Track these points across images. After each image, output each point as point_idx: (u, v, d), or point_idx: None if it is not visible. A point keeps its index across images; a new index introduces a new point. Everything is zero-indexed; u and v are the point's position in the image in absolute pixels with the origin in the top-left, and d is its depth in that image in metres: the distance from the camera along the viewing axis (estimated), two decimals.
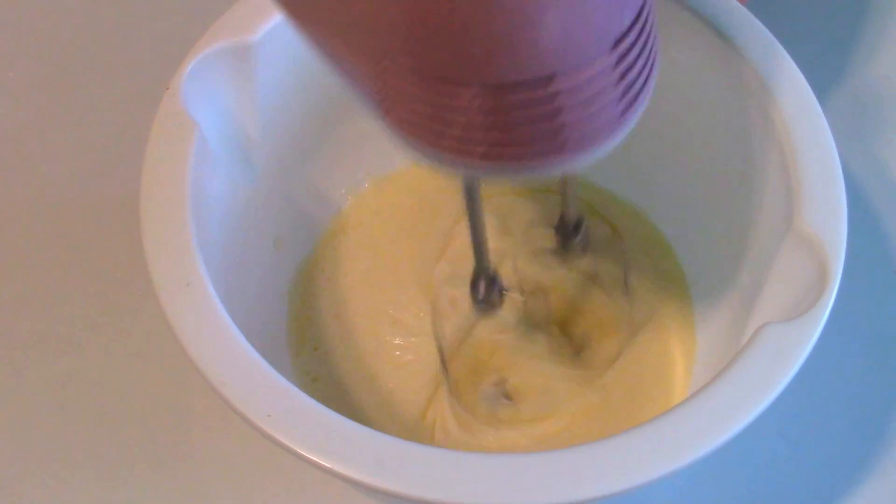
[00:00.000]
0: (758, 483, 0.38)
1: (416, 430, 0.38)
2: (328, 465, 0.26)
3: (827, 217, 0.30)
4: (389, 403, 0.38)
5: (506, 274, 0.37)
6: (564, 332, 0.39)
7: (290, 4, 0.27)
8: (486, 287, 0.35)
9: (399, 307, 0.40)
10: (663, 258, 0.41)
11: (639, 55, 0.24)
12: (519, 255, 0.40)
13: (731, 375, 0.27)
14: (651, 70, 0.25)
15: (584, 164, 0.25)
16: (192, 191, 0.32)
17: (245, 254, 0.37)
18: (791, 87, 0.33)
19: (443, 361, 0.38)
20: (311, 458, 0.26)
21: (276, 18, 0.34)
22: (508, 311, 0.38)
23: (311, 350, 0.39)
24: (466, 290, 0.35)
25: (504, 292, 0.36)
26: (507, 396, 0.38)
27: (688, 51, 0.35)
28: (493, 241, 0.34)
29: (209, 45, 0.34)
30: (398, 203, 0.42)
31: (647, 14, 0.25)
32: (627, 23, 0.24)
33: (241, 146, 0.36)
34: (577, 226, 0.37)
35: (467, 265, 0.34)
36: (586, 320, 0.40)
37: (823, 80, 0.46)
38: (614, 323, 0.39)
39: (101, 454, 0.39)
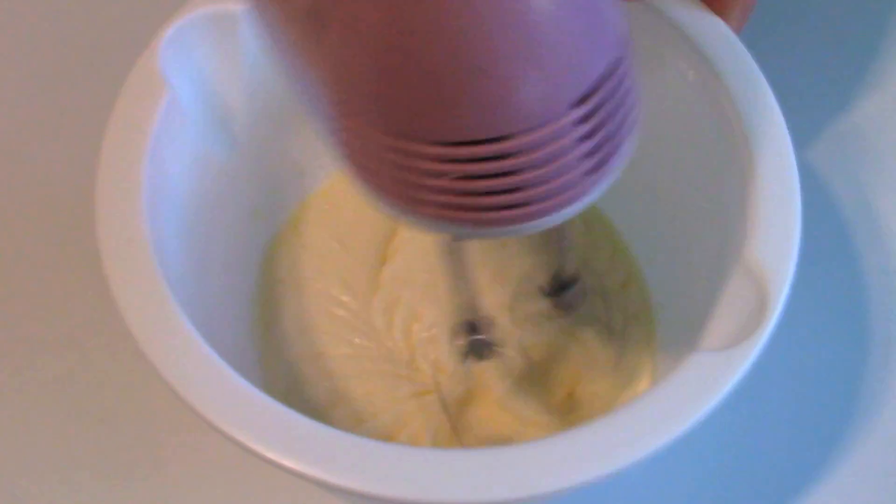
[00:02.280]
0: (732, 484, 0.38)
1: (369, 420, 0.37)
2: (275, 458, 0.26)
3: (775, 252, 0.29)
4: (344, 396, 0.38)
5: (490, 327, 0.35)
6: (554, 386, 0.38)
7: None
8: (472, 341, 0.34)
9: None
10: (631, 285, 0.40)
11: (611, 112, 0.23)
12: (507, 311, 0.38)
13: (647, 400, 0.27)
14: (627, 129, 0.24)
15: (549, 224, 0.24)
16: (153, 151, 0.32)
17: (217, 221, 0.37)
18: (766, 122, 0.32)
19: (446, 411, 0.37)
20: (257, 449, 0.26)
21: None
22: (496, 366, 0.37)
23: (273, 324, 0.39)
24: (446, 348, 0.35)
25: (493, 347, 0.35)
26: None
27: (672, 74, 0.35)
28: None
29: (194, 9, 0.34)
30: None
31: (622, 66, 0.23)
32: (594, 78, 0.23)
33: (218, 112, 0.36)
34: (573, 281, 0.35)
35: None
36: (574, 371, 0.38)
37: (810, 110, 0.46)
38: (600, 369, 0.38)
39: (101, 454, 0.39)
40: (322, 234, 0.41)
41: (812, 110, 0.46)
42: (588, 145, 0.23)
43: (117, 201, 0.30)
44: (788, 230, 0.30)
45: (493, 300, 0.38)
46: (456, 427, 0.36)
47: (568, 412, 0.37)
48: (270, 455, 0.26)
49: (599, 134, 0.23)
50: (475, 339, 0.34)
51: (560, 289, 0.36)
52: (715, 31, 0.34)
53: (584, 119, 0.23)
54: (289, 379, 0.38)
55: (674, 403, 0.27)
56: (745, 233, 0.30)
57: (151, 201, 0.31)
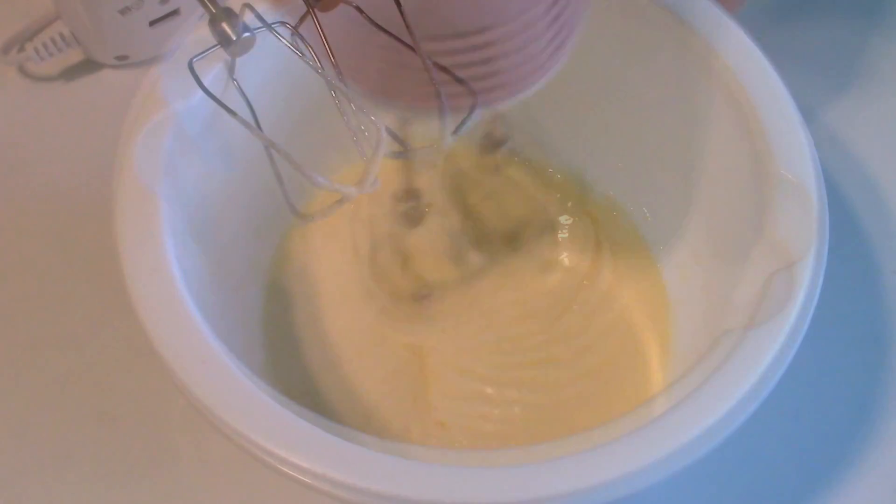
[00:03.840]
0: (751, 484, 0.38)
1: (378, 423, 0.38)
2: (274, 454, 0.27)
3: (798, 228, 0.30)
4: (351, 394, 0.38)
5: (425, 187, 0.38)
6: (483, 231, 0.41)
7: None
8: (409, 203, 0.36)
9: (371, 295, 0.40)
10: (638, 254, 0.41)
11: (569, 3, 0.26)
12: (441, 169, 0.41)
13: (689, 384, 0.27)
14: (580, 15, 0.27)
15: (511, 104, 0.27)
16: (167, 177, 0.32)
17: (224, 242, 0.37)
18: (772, 96, 0.33)
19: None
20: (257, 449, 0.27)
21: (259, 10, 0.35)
22: (430, 223, 0.39)
23: (286, 336, 0.40)
24: (386, 207, 0.37)
25: (426, 209, 0.37)
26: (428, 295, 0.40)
27: (673, 55, 0.35)
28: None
29: (192, 35, 0.34)
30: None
31: None
32: None
33: (220, 134, 0.36)
34: (501, 141, 0.39)
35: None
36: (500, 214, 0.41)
37: (818, 91, 0.47)
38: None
39: (101, 454, 0.39)
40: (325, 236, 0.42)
41: (821, 112, 0.46)
42: (553, 30, 0.26)
43: (139, 235, 0.31)
44: (808, 207, 0.30)
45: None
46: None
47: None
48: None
49: (562, 18, 0.26)
50: (411, 206, 0.37)
51: (487, 149, 0.39)
52: (708, 14, 0.34)
53: (552, 6, 0.25)
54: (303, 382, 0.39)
55: (720, 383, 0.27)
56: (763, 211, 0.31)
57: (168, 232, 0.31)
